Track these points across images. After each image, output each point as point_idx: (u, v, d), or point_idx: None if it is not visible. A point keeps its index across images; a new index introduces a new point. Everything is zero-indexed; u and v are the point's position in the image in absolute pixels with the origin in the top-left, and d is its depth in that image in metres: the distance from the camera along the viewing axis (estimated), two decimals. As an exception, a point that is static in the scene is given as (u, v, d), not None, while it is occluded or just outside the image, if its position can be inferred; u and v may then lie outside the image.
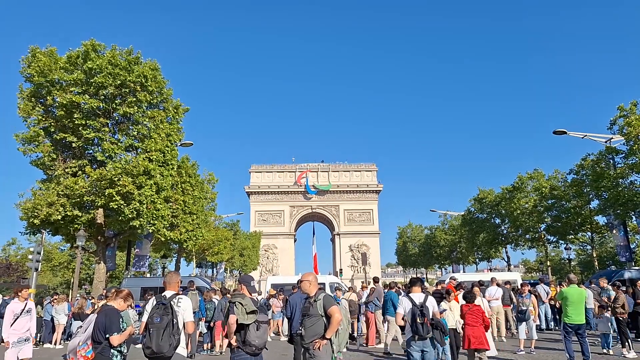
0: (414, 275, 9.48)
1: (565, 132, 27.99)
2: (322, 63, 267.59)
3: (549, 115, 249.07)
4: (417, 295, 7.30)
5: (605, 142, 29.71)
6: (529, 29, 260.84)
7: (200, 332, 15.11)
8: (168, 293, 6.13)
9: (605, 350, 12.83)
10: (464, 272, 58.60)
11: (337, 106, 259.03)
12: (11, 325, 8.90)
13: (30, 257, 26.24)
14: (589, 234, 40.65)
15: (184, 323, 5.98)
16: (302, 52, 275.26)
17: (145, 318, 5.88)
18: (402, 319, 7.22)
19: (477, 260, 65.15)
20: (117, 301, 6.36)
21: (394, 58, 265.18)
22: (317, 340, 5.72)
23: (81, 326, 6.13)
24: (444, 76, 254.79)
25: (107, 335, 5.83)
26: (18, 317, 8.99)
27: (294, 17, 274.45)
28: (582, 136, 29.22)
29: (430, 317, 7.10)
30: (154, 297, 6.19)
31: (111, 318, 5.97)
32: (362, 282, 24.38)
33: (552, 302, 20.10)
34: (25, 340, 9.04)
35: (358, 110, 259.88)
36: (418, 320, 6.93)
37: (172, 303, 5.86)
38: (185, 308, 6.04)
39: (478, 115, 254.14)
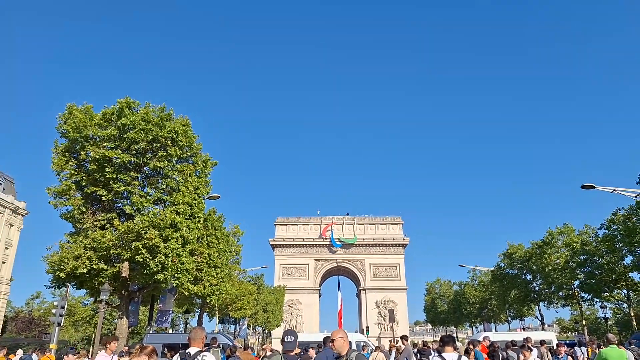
0: (445, 334, 8.98)
1: (593, 187, 27.31)
2: (347, 115, 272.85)
3: (576, 169, 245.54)
4: (450, 356, 6.99)
5: (635, 196, 28.86)
6: (561, 76, 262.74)
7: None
8: (192, 350, 6.00)
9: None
10: (495, 330, 56.22)
11: (362, 158, 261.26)
12: None
13: (53, 311, 26.20)
14: (625, 291, 38.88)
15: None
16: (328, 104, 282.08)
17: None
18: None
19: (509, 318, 62.61)
20: (141, 358, 6.20)
21: (419, 110, 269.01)
22: None
23: None
24: (469, 129, 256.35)
25: None
26: None
27: (316, 67, 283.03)
28: (611, 191, 28.43)
29: None
30: (177, 355, 6.06)
31: None
32: (390, 341, 23.52)
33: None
34: None
35: (383, 163, 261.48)
36: None
37: None
38: None
39: (504, 169, 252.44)
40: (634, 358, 15.35)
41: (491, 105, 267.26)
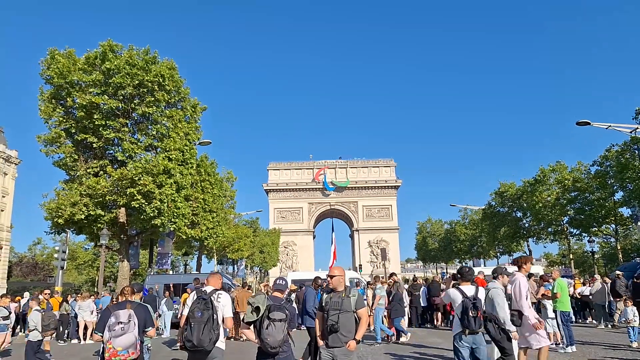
0: (465, 266, 9.13)
1: (588, 123, 27.31)
2: (339, 58, 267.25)
3: (571, 107, 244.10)
4: (468, 288, 6.85)
5: (630, 132, 28.96)
6: (551, 17, 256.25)
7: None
8: (208, 288, 6.30)
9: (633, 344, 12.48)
10: (484, 266, 58.03)
11: (354, 102, 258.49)
12: None
13: (55, 256, 26.89)
14: (613, 226, 39.90)
15: (222, 318, 6.13)
16: (319, 46, 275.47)
17: (185, 311, 6.04)
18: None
19: (498, 254, 64.52)
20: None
21: (410, 50, 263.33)
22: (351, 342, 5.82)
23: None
24: (463, 68, 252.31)
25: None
26: None
27: (310, 10, 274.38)
28: (606, 127, 28.47)
29: (483, 309, 6.80)
30: (194, 291, 6.38)
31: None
32: (381, 278, 24.34)
33: (577, 296, 19.86)
34: None
35: (375, 105, 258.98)
36: (470, 313, 6.47)
37: (212, 298, 6.00)
38: (225, 304, 6.24)
39: (498, 108, 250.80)
40: (625, 286, 16.25)
41: (485, 43, 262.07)
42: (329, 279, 6.25)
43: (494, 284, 7.89)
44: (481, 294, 6.86)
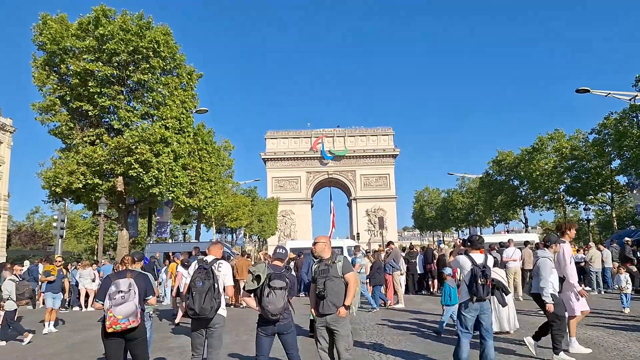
0: (475, 234, 8.91)
1: (588, 91, 27.12)
2: (337, 26, 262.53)
3: (570, 74, 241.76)
4: (477, 255, 6.72)
5: (630, 99, 28.80)
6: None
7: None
8: (209, 258, 6.39)
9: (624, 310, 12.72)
10: (480, 233, 58.54)
11: (352, 69, 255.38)
12: None
13: (54, 224, 26.98)
14: (609, 194, 40.13)
15: (224, 286, 6.26)
16: (316, 14, 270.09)
17: (187, 280, 6.15)
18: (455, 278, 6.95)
19: (494, 222, 65.01)
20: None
21: (407, 18, 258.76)
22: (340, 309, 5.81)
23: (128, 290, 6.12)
24: (460, 35, 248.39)
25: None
26: None
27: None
28: (605, 94, 28.28)
29: (491, 277, 6.63)
30: (196, 261, 6.46)
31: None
32: (380, 246, 24.59)
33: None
34: None
35: (373, 72, 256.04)
36: (479, 281, 6.35)
37: (213, 268, 6.08)
38: (225, 273, 6.34)
39: (497, 75, 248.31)
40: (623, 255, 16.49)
41: (484, 10, 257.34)
42: (313, 247, 6.30)
43: (543, 253, 7.67)
44: (490, 262, 6.76)
